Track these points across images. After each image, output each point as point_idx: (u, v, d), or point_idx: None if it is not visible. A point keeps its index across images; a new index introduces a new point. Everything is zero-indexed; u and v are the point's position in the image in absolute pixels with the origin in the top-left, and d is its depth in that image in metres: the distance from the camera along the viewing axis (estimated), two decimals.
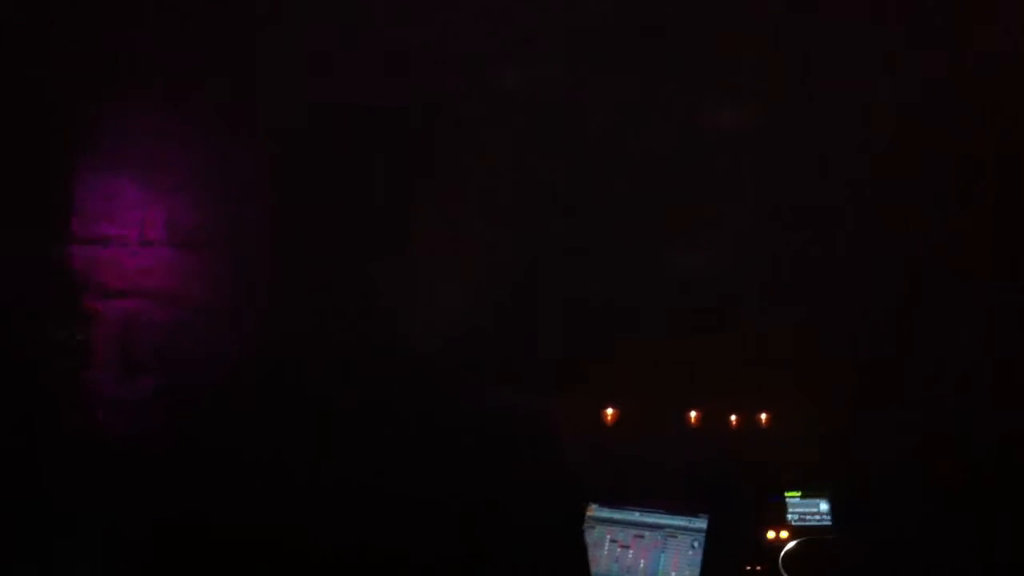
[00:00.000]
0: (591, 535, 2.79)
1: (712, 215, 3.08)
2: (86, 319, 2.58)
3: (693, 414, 3.00)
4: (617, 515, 2.81)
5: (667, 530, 2.79)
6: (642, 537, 2.79)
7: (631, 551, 2.78)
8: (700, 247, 3.04)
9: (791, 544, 2.81)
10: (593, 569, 2.75)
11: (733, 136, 3.04)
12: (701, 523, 2.79)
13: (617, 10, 2.81)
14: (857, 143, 2.96)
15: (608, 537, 2.79)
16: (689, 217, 3.09)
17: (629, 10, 2.81)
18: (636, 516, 2.82)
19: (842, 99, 2.89)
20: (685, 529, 2.79)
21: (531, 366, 2.97)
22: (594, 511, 2.81)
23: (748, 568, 2.78)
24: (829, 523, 2.87)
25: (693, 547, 2.77)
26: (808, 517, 2.87)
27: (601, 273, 3.01)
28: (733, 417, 3.00)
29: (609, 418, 2.99)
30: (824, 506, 2.90)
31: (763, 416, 3.00)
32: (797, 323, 2.99)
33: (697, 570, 2.74)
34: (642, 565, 2.77)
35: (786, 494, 2.90)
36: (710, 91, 2.94)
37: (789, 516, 2.87)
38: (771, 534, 2.83)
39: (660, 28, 2.82)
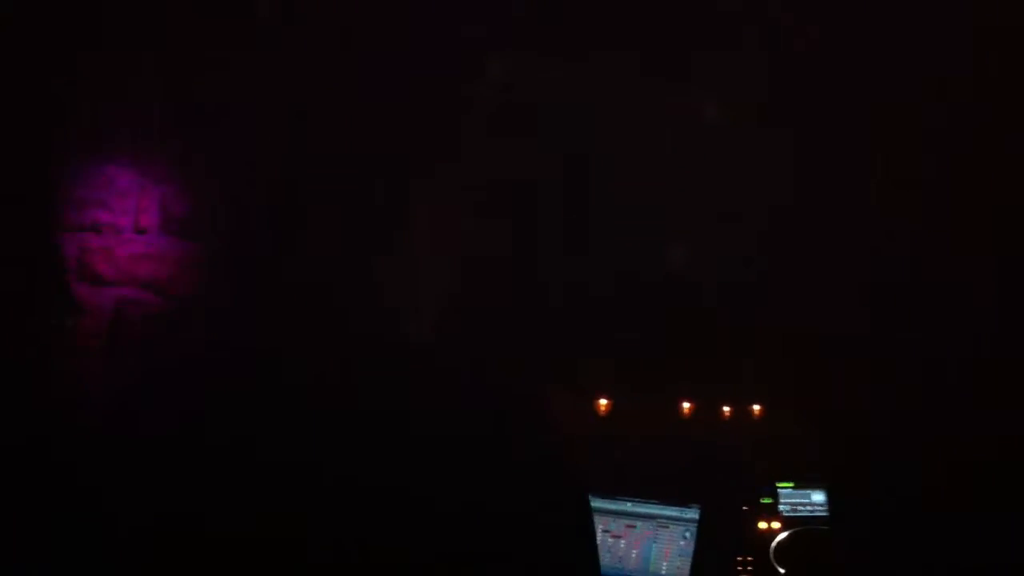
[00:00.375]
0: None
1: (709, 212, 3.09)
2: (79, 308, 2.56)
3: (686, 405, 3.01)
4: (609, 505, 2.82)
5: (659, 520, 2.81)
6: (634, 527, 2.80)
7: (623, 541, 2.80)
8: (700, 243, 3.05)
9: (782, 535, 2.82)
10: None
11: (732, 135, 3.05)
12: (693, 513, 2.81)
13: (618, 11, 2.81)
14: (858, 140, 2.97)
15: (600, 527, 2.79)
16: (687, 213, 3.10)
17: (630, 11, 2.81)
18: (628, 506, 2.83)
19: (842, 97, 2.89)
20: (677, 519, 2.80)
21: (529, 360, 2.97)
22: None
23: (739, 559, 2.80)
24: (822, 514, 2.89)
25: (685, 537, 2.78)
26: (800, 508, 2.89)
27: (601, 269, 3.02)
28: (726, 409, 3.01)
29: (602, 409, 3.00)
30: (816, 497, 2.92)
31: (755, 408, 3.01)
32: (796, 320, 3.01)
33: (688, 560, 2.76)
34: (634, 555, 2.78)
35: (778, 485, 2.91)
36: (705, 90, 2.95)
37: (781, 507, 2.89)
38: (763, 525, 2.85)
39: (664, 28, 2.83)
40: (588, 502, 2.63)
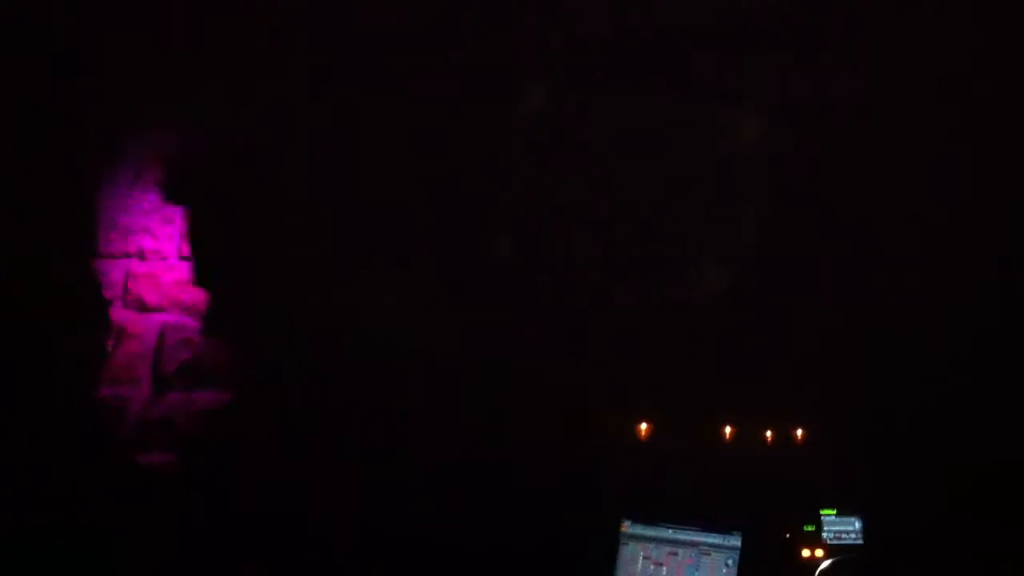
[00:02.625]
0: (625, 552, 2.78)
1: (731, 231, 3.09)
2: (118, 333, 2.58)
3: (728, 430, 2.99)
4: (651, 532, 2.80)
5: (701, 547, 2.78)
6: (676, 555, 2.78)
7: (665, 568, 2.77)
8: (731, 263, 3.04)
9: (826, 562, 2.79)
10: None
11: (745, 149, 3.05)
12: (735, 541, 2.78)
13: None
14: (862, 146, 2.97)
15: (641, 554, 2.78)
16: (715, 233, 3.10)
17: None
18: (670, 533, 2.80)
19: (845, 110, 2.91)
20: (719, 547, 2.77)
21: (570, 380, 2.97)
22: (627, 528, 2.80)
23: None
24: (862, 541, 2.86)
25: (727, 565, 2.75)
26: (844, 535, 2.86)
27: (636, 289, 3.01)
28: (768, 434, 2.98)
29: (643, 433, 2.98)
30: (860, 524, 2.88)
31: (799, 433, 2.98)
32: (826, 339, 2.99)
33: None
34: None
35: (821, 512, 2.88)
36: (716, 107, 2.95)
37: (824, 534, 2.85)
38: (806, 552, 2.82)
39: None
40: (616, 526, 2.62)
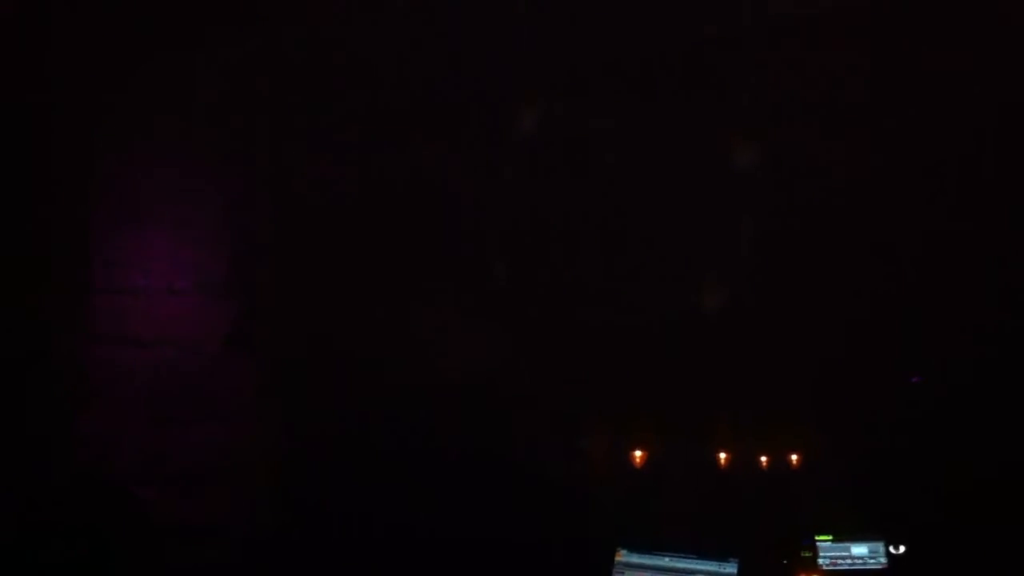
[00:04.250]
0: None
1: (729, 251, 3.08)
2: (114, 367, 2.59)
3: (724, 456, 2.98)
4: (647, 560, 2.79)
5: (697, 575, 2.77)
6: None
7: None
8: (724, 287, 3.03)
9: None
10: None
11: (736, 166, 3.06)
12: (731, 568, 2.77)
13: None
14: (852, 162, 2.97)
15: None
16: (713, 254, 3.10)
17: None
18: (666, 561, 2.79)
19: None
20: (715, 574, 2.77)
21: (559, 406, 2.97)
22: (623, 556, 2.79)
23: None
24: (862, 567, 2.85)
25: None
26: (840, 561, 2.84)
27: (628, 315, 3.01)
28: (764, 459, 2.98)
29: (638, 460, 2.98)
30: (856, 550, 2.87)
31: (794, 458, 2.97)
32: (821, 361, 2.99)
33: None
34: None
35: (817, 538, 2.87)
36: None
37: (820, 560, 2.84)
38: None
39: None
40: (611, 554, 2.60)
